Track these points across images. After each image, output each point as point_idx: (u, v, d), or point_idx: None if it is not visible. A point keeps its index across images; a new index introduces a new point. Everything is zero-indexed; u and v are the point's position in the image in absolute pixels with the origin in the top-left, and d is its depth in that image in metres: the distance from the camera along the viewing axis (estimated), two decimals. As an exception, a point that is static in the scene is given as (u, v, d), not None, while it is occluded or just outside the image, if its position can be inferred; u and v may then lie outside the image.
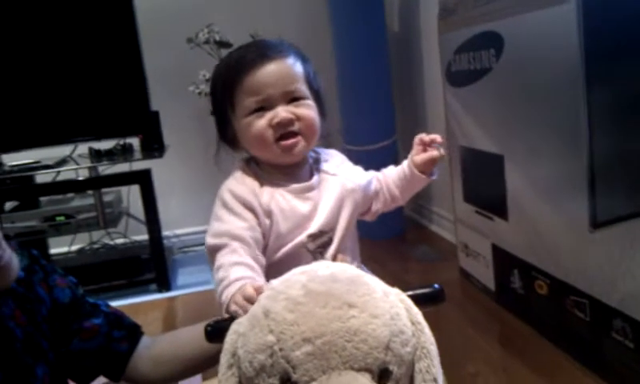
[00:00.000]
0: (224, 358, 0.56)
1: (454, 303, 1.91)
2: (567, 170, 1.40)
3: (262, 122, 0.78)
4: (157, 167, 2.32)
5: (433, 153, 0.84)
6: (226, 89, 0.81)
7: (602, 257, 1.33)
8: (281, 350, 0.51)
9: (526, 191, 1.60)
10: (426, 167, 0.85)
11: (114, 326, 0.87)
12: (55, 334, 0.80)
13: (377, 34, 2.59)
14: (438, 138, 0.84)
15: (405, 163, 0.88)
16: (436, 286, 0.64)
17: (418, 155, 0.85)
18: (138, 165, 2.32)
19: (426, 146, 0.85)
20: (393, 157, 2.67)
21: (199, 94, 2.49)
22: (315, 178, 0.83)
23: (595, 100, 1.29)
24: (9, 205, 2.41)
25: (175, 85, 2.54)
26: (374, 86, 2.60)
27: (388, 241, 2.55)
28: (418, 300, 0.61)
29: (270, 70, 0.78)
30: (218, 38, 2.50)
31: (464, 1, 1.84)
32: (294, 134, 0.79)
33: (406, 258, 2.45)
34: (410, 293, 0.61)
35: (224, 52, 2.30)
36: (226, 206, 0.78)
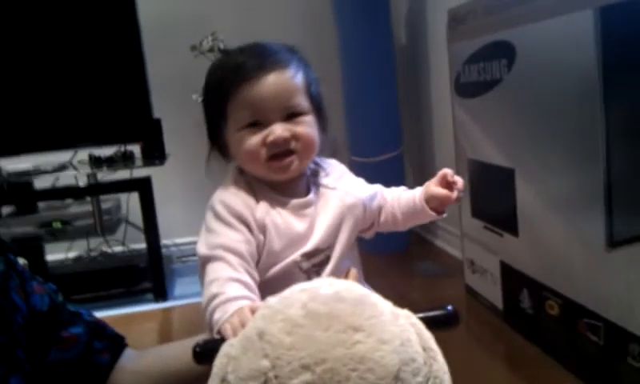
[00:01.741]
0: (212, 384, 0.51)
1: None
2: (582, 185, 1.34)
3: (255, 139, 0.73)
4: (157, 175, 2.29)
5: (452, 193, 0.77)
6: (220, 98, 0.75)
7: (619, 278, 1.26)
8: (276, 377, 0.46)
9: (537, 207, 1.55)
10: (437, 203, 0.79)
11: (95, 336, 0.82)
12: (32, 343, 0.75)
13: (383, 44, 2.56)
14: (460, 183, 0.78)
15: (417, 192, 0.81)
16: (449, 307, 0.58)
17: (436, 187, 0.78)
18: (139, 172, 2.28)
19: (446, 183, 0.78)
20: (399, 169, 2.62)
21: (202, 102, 2.46)
22: (313, 193, 0.78)
23: (613, 112, 1.23)
24: (6, 210, 2.38)
25: (178, 93, 2.48)
26: (380, 97, 2.56)
27: (392, 255, 2.49)
28: (429, 323, 0.55)
29: (268, 83, 0.72)
30: (222, 46, 2.46)
31: (474, 9, 1.80)
32: (288, 153, 0.73)
33: (409, 273, 2.39)
34: (422, 315, 0.56)
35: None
36: (218, 218, 0.72)
